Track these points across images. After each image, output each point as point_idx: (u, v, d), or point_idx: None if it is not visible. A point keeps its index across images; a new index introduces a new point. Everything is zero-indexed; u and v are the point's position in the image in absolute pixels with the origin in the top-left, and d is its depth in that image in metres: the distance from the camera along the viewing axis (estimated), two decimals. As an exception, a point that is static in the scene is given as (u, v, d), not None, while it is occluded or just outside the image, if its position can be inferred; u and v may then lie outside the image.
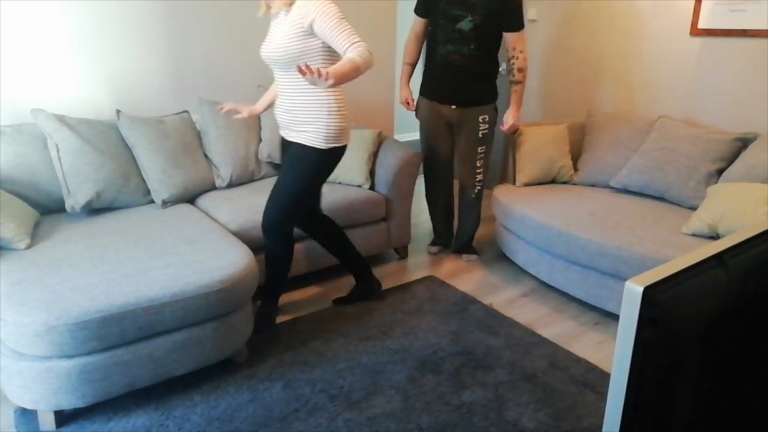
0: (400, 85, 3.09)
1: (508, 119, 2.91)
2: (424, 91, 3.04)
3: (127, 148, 2.62)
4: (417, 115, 3.11)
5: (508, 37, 2.79)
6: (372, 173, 3.09)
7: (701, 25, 3.06)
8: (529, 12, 4.01)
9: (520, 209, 2.85)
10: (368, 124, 4.02)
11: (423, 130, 3.10)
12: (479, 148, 2.98)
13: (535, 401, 2.03)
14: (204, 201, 2.78)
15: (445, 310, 2.65)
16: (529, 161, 3.14)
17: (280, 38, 2.10)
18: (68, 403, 1.79)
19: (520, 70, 2.81)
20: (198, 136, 2.93)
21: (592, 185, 3.17)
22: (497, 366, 2.23)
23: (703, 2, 3.02)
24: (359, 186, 3.03)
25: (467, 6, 2.71)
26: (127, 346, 1.84)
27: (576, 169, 3.25)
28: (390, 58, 3.98)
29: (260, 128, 3.11)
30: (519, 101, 2.87)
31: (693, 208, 2.74)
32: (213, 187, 2.93)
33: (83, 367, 1.76)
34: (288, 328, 2.47)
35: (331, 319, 2.54)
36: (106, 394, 1.84)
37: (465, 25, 2.70)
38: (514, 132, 3.05)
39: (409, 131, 6.54)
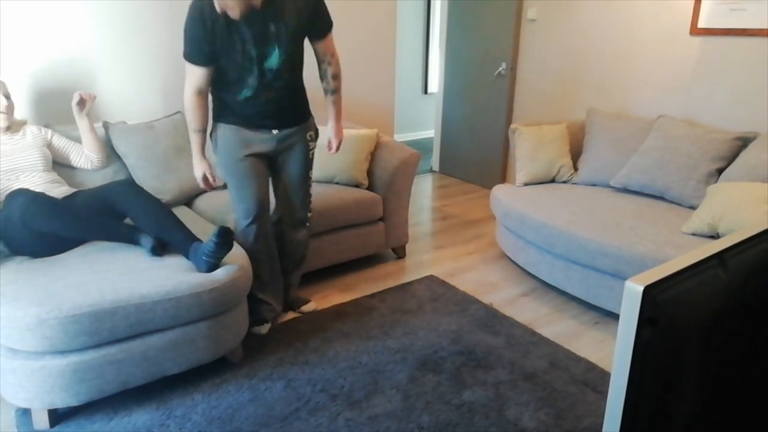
0: (196, 159, 2.26)
1: (333, 135, 2.43)
2: (231, 133, 2.24)
3: (119, 157, 2.66)
4: (223, 173, 2.30)
5: (321, 44, 2.23)
6: (369, 173, 3.09)
7: (701, 24, 3.06)
8: (529, 12, 4.02)
9: (521, 209, 2.85)
10: (368, 124, 4.02)
11: (244, 176, 2.26)
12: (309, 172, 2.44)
13: (535, 400, 2.03)
14: (200, 202, 2.77)
15: (445, 309, 2.65)
16: (529, 161, 3.14)
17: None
18: (62, 401, 1.79)
19: (335, 76, 2.31)
20: None
21: (593, 185, 3.17)
22: (498, 365, 2.23)
23: (703, 1, 3.03)
24: (356, 186, 3.03)
25: (268, 38, 2.07)
26: (120, 344, 1.84)
27: (576, 169, 3.25)
28: (390, 58, 3.99)
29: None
30: (340, 113, 2.42)
31: (693, 208, 2.74)
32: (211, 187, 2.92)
33: (76, 365, 1.77)
34: (288, 327, 2.47)
35: (331, 319, 2.54)
36: (99, 392, 1.84)
37: (273, 62, 2.11)
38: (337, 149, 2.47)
39: (408, 131, 6.55)
